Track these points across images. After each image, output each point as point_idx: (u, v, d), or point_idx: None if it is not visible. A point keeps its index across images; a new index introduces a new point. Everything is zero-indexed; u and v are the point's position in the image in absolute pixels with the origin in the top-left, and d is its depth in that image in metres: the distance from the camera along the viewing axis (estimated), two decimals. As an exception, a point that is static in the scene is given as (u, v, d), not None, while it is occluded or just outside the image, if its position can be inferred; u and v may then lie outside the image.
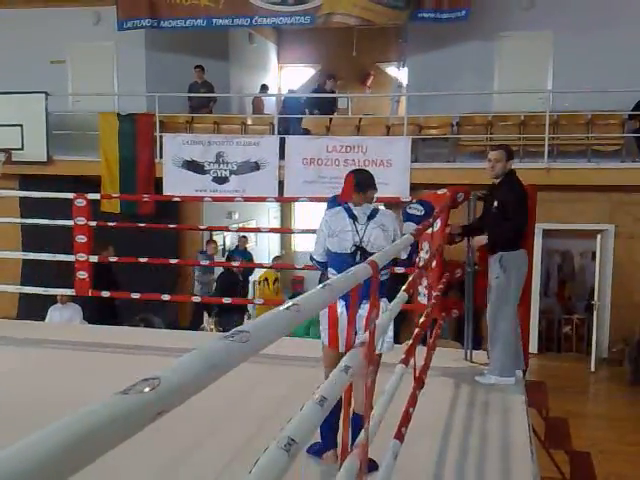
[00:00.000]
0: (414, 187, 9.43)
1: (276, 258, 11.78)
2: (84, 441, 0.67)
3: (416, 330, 3.51)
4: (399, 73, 13.61)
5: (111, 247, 8.49)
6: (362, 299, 2.89)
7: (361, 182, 3.45)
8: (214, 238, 11.10)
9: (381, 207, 3.61)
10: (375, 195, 3.52)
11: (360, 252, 3.25)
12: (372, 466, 2.65)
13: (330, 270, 3.34)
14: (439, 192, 5.01)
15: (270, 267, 10.84)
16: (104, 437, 0.70)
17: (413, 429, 2.92)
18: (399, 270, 5.45)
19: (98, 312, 8.51)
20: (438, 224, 4.63)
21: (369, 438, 2.13)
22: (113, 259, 6.83)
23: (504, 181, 4.61)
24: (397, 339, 7.80)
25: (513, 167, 4.70)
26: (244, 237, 11.41)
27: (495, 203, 4.59)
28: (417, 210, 4.63)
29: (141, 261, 6.18)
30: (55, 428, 0.66)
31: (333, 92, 11.48)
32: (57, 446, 0.64)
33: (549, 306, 11.24)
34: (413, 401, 3.11)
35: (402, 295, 3.00)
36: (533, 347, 9.28)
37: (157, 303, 8.31)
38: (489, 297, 4.65)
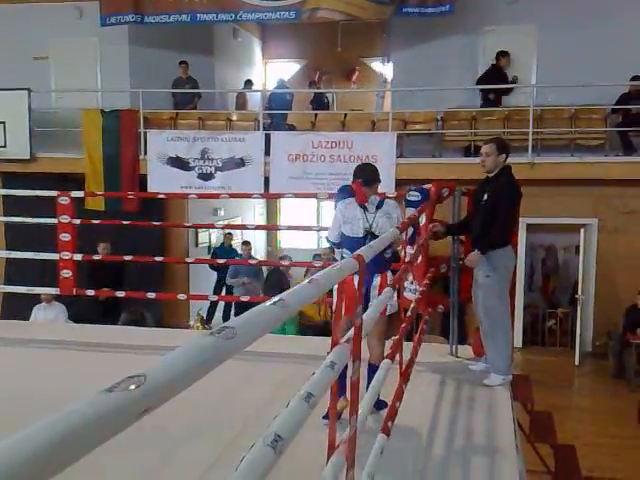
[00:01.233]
0: (399, 182, 9.44)
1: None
2: (69, 439, 0.67)
3: (402, 325, 3.52)
4: (384, 68, 13.62)
5: (106, 243, 8.46)
6: (372, 274, 3.66)
7: (368, 179, 3.98)
8: (229, 233, 11.27)
9: (387, 197, 4.18)
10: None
11: (370, 236, 3.76)
12: (381, 404, 3.37)
13: (345, 251, 3.86)
14: (424, 187, 5.02)
15: (257, 264, 10.80)
16: (89, 435, 0.70)
17: (399, 423, 2.94)
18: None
19: (103, 308, 8.55)
20: (423, 219, 4.65)
21: (356, 432, 2.14)
22: (97, 257, 6.78)
23: (497, 175, 4.60)
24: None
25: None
26: (229, 234, 11.38)
27: (485, 196, 4.57)
28: (415, 196, 4.69)
29: (128, 259, 6.15)
30: (40, 427, 0.66)
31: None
32: (42, 445, 0.63)
33: (533, 300, 11.32)
34: (399, 396, 3.13)
35: (388, 290, 3.02)
36: (518, 341, 9.34)
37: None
38: (476, 293, 4.65)
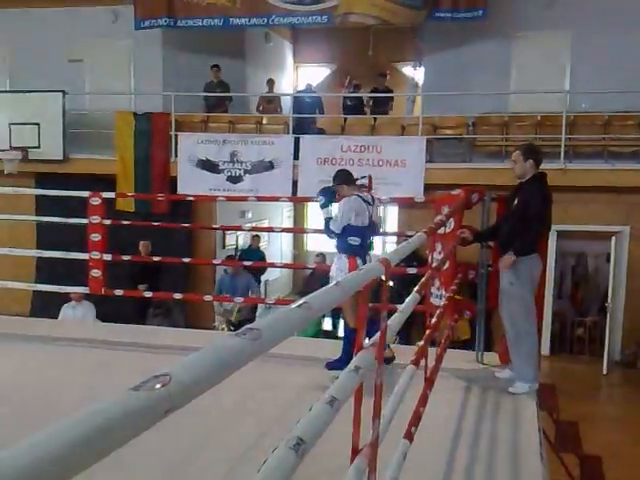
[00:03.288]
0: (428, 187, 9.41)
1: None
2: (96, 437, 0.68)
3: (427, 331, 3.51)
4: (415, 73, 13.58)
5: (146, 241, 8.56)
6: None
7: (350, 180, 4.87)
8: (256, 235, 11.14)
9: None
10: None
11: (371, 225, 4.75)
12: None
13: (354, 239, 4.66)
14: (453, 193, 4.99)
15: (283, 267, 10.86)
16: (116, 433, 0.72)
17: (423, 429, 2.93)
18: (412, 271, 5.45)
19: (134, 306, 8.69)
20: (451, 225, 4.62)
21: (379, 437, 2.14)
22: (126, 257, 6.86)
23: (528, 182, 4.57)
24: (408, 340, 7.81)
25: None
26: (256, 236, 11.43)
27: (515, 202, 4.54)
28: (320, 200, 4.94)
29: (156, 260, 6.22)
30: (68, 424, 0.67)
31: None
32: (70, 442, 0.65)
33: (562, 308, 11.17)
34: (423, 401, 3.11)
35: (414, 296, 3.01)
36: (545, 349, 9.24)
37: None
38: (502, 301, 4.61)
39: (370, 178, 5.15)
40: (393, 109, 11.82)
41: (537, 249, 4.53)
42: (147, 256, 8.44)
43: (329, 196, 4.85)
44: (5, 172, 10.53)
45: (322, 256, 10.03)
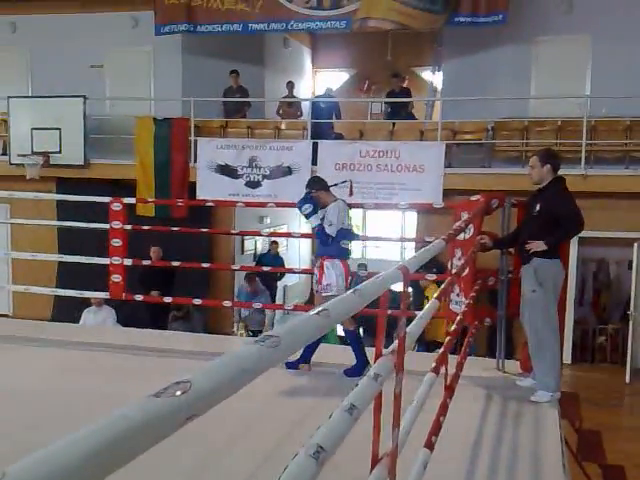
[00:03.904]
0: (447, 193, 9.36)
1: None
2: (117, 444, 0.67)
3: (447, 338, 3.48)
4: (434, 77, 13.55)
5: (157, 247, 8.60)
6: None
7: (326, 186, 5.05)
8: (274, 241, 11.27)
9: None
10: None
11: (351, 226, 5.07)
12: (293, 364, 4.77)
13: (345, 242, 4.91)
14: (472, 198, 4.96)
15: (301, 272, 10.85)
16: (137, 440, 0.71)
17: (443, 438, 2.90)
18: (430, 277, 5.42)
19: (152, 311, 8.75)
20: (471, 231, 4.59)
21: (399, 446, 2.12)
22: (147, 262, 6.90)
23: (547, 187, 4.52)
24: (428, 347, 7.76)
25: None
26: (275, 242, 11.45)
27: (537, 207, 4.50)
28: (307, 209, 5.01)
29: (176, 264, 6.23)
30: (89, 431, 0.67)
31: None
32: (91, 449, 0.64)
33: (584, 315, 11.03)
34: (444, 410, 3.08)
35: (433, 302, 2.99)
36: (567, 357, 9.13)
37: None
38: (523, 308, 4.57)
39: (351, 183, 5.46)
40: (414, 107, 11.70)
41: (560, 255, 4.48)
42: (159, 262, 8.48)
43: (314, 203, 4.93)
44: (27, 177, 10.65)
45: (364, 267, 10.05)
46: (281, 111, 11.97)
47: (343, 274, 4.81)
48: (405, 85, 12.01)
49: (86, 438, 0.66)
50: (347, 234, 4.94)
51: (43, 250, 8.68)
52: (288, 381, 4.61)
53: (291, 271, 10.91)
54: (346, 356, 5.43)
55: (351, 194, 5.30)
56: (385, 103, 12.07)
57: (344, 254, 4.90)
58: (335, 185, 5.23)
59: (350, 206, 5.10)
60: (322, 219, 4.88)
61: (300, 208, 4.98)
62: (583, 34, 10.48)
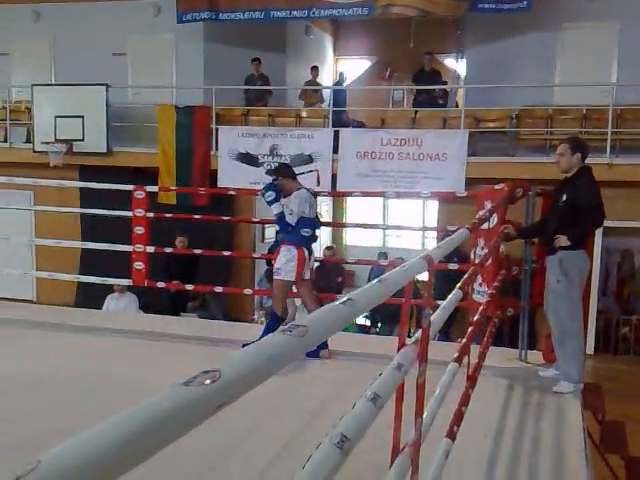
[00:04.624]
0: (470, 182, 9.28)
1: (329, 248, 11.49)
2: (148, 432, 0.67)
3: (470, 328, 3.46)
4: (457, 65, 13.42)
5: (183, 237, 8.64)
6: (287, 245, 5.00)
7: (294, 174, 5.21)
8: None
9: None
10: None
11: (316, 217, 5.14)
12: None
13: (306, 230, 4.98)
14: (496, 187, 4.91)
15: (321, 261, 10.82)
16: (167, 429, 0.71)
17: (465, 428, 2.89)
18: (453, 267, 5.39)
19: (171, 298, 8.80)
20: (494, 220, 4.55)
21: (421, 436, 2.11)
22: (169, 250, 6.94)
23: (575, 176, 4.46)
24: (448, 336, 7.73)
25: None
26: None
27: (564, 197, 4.44)
28: (270, 196, 5.14)
29: (197, 253, 6.26)
30: (121, 419, 0.67)
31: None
32: (123, 437, 0.64)
33: (607, 306, 10.91)
34: (465, 400, 3.07)
35: (456, 292, 2.97)
36: (590, 348, 9.03)
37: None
38: (547, 298, 4.53)
39: (318, 173, 5.56)
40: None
41: (585, 245, 4.43)
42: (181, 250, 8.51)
43: (277, 191, 5.05)
44: (51, 164, 10.75)
45: (332, 249, 10.45)
46: (304, 96, 11.91)
47: (295, 261, 4.93)
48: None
49: (118, 426, 0.66)
50: (308, 223, 5.01)
51: (66, 237, 8.75)
52: (306, 369, 4.63)
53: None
54: (365, 344, 5.44)
55: (318, 184, 5.39)
56: (412, 82, 11.87)
57: (303, 242, 5.00)
58: (302, 174, 5.41)
59: (316, 195, 5.25)
60: (283, 207, 5.02)
61: (263, 195, 5.10)
62: (610, 21, 10.31)
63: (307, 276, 5.07)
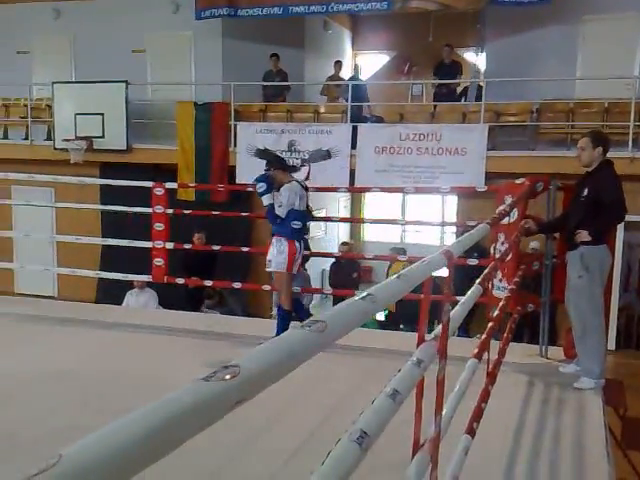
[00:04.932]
0: (490, 176, 9.21)
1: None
2: (169, 427, 0.67)
3: (490, 324, 3.43)
4: (477, 59, 13.31)
5: (201, 233, 8.68)
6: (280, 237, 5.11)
7: (284, 165, 5.35)
8: None
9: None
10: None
11: (307, 210, 5.21)
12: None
13: (296, 222, 5.05)
14: (517, 182, 4.87)
15: (338, 256, 10.81)
16: (188, 424, 0.71)
17: (485, 425, 2.87)
18: (473, 262, 5.35)
19: (188, 294, 8.87)
20: (515, 215, 4.51)
21: (441, 432, 2.10)
22: (187, 246, 6.97)
23: (596, 170, 4.41)
24: (467, 332, 7.68)
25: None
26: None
27: (585, 192, 4.39)
28: (261, 187, 5.19)
29: (216, 249, 6.28)
30: (141, 414, 0.67)
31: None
32: (144, 431, 0.64)
33: (629, 302, 10.79)
34: (485, 396, 3.05)
35: (476, 288, 2.95)
36: (611, 344, 8.94)
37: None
38: (568, 294, 4.48)
39: (309, 168, 5.56)
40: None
41: (606, 240, 4.38)
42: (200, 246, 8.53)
43: (268, 183, 5.09)
44: (71, 161, 10.84)
45: (348, 245, 10.39)
46: (326, 91, 11.89)
47: (286, 253, 5.04)
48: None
49: (138, 421, 0.66)
50: (298, 216, 5.07)
51: (87, 233, 8.81)
52: (324, 364, 4.62)
53: (330, 255, 10.88)
54: (385, 340, 5.43)
55: (307, 178, 5.45)
56: (434, 76, 11.80)
57: (294, 234, 5.08)
58: (294, 168, 5.50)
59: (307, 188, 5.29)
60: (274, 199, 5.10)
61: (256, 186, 5.16)
62: (632, 12, 10.15)
63: (295, 270, 5.19)
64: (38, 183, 9.01)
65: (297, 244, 5.10)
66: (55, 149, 11.24)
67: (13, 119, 12.34)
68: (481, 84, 11.30)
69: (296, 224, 5.06)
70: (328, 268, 11.71)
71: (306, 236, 5.32)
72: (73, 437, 0.63)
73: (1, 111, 12.57)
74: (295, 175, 5.43)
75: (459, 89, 11.54)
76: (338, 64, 12.06)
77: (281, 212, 5.05)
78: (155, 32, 12.15)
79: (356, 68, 12.29)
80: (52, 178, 7.47)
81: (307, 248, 5.85)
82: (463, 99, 11.08)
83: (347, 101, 10.54)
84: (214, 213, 6.69)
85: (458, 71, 11.35)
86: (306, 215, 5.25)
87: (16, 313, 6.19)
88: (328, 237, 13.08)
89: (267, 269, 5.22)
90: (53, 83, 11.37)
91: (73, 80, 12.44)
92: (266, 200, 5.10)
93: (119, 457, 0.61)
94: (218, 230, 8.91)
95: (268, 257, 5.17)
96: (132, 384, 4.15)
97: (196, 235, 8.92)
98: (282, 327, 5.09)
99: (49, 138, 11.71)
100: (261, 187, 5.09)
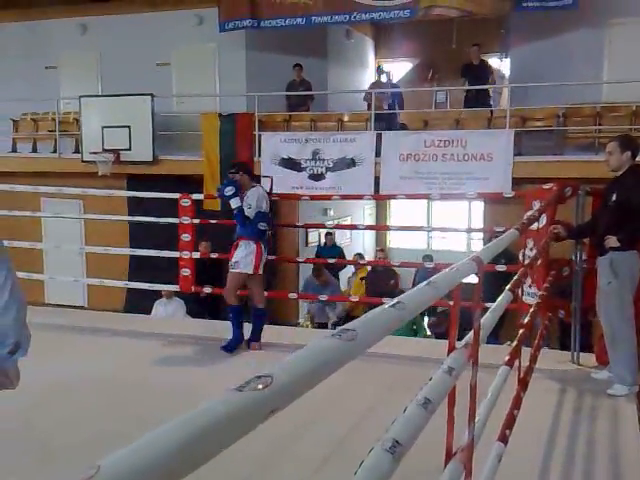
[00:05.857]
0: (517, 182, 9.13)
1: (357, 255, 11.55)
2: (203, 437, 0.67)
3: (520, 331, 3.39)
4: (501, 64, 13.23)
5: (206, 242, 8.72)
6: (245, 239, 5.33)
7: (250, 170, 5.74)
8: (328, 233, 11.28)
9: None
10: None
11: (271, 210, 5.49)
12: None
13: (263, 224, 5.29)
14: (545, 187, 4.82)
15: (366, 264, 10.81)
16: (222, 434, 0.71)
17: (517, 432, 2.83)
18: (501, 268, 5.30)
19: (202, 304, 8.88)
20: (544, 220, 4.46)
21: (474, 440, 2.08)
22: (214, 255, 7.00)
23: (625, 175, 4.35)
24: (497, 339, 7.59)
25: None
26: (329, 234, 11.40)
27: (614, 197, 4.33)
28: (230, 191, 5.37)
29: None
30: (176, 424, 0.67)
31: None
32: (180, 442, 0.64)
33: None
34: (517, 403, 3.01)
35: (506, 294, 2.91)
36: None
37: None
38: (599, 301, 4.42)
39: (272, 179, 5.91)
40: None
41: (636, 246, 4.31)
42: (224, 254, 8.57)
43: (236, 186, 5.31)
44: (99, 174, 10.99)
45: (384, 251, 10.21)
46: (369, 97, 11.92)
47: (254, 254, 5.26)
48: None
49: (174, 431, 0.66)
50: (264, 217, 5.32)
51: (115, 244, 8.92)
52: (352, 372, 4.60)
53: (355, 263, 10.88)
54: (417, 347, 5.39)
55: (271, 190, 5.73)
56: (461, 77, 11.71)
57: (261, 236, 5.31)
58: (258, 177, 5.87)
59: (270, 195, 5.60)
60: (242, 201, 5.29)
61: (223, 190, 5.35)
62: (660, 15, 10.02)
63: (260, 270, 5.37)
64: (67, 195, 9.14)
65: (262, 246, 5.32)
66: (83, 162, 11.40)
67: (42, 133, 12.55)
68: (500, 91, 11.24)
69: (262, 225, 5.29)
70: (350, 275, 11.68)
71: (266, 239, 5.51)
72: (107, 446, 0.63)
73: (30, 125, 12.80)
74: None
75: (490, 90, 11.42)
76: (380, 70, 12.12)
77: (250, 213, 5.26)
78: (180, 45, 12.29)
79: (379, 70, 12.28)
80: (80, 190, 7.57)
81: (271, 251, 5.92)
82: (491, 102, 10.97)
83: (389, 107, 10.51)
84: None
85: (488, 71, 11.22)
86: (270, 218, 5.52)
87: (47, 323, 6.27)
88: (353, 245, 13.06)
89: (232, 270, 5.33)
90: (80, 97, 11.54)
91: (100, 94, 12.62)
92: (235, 203, 5.29)
93: (156, 468, 0.61)
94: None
95: (234, 259, 5.31)
96: (164, 393, 4.17)
97: (202, 244, 8.95)
98: (259, 325, 5.43)
99: (77, 151, 11.88)
100: (230, 190, 5.29)
